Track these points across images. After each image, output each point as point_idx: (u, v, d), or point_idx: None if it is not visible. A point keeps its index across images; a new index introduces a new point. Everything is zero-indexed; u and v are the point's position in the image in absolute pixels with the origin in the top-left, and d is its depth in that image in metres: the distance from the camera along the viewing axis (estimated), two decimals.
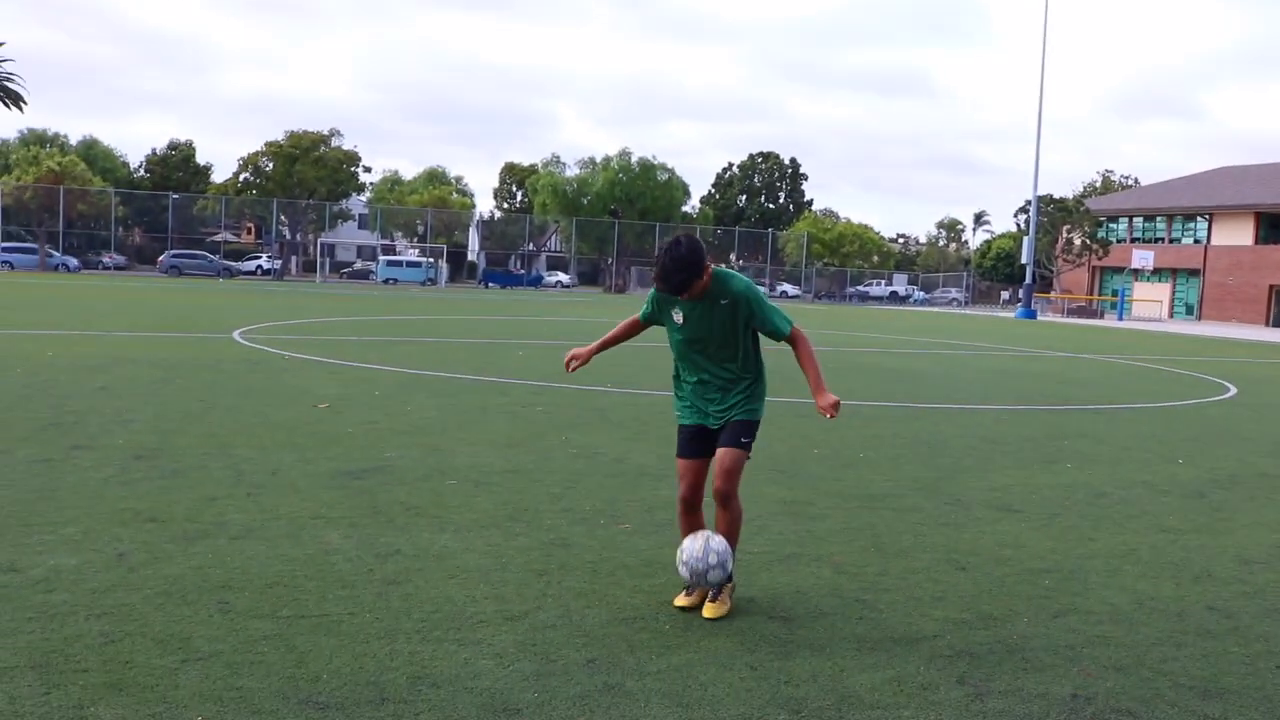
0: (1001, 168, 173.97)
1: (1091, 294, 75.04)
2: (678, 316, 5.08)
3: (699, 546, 4.82)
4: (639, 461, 8.71)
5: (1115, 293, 71.27)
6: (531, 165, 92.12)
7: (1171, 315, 71.59)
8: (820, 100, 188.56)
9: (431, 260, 71.35)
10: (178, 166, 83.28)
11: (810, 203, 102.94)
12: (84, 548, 5.49)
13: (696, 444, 5.13)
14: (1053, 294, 73.64)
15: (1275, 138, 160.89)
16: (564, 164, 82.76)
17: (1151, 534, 7.15)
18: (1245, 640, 5.06)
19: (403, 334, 22.42)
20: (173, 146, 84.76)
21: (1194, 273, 71.42)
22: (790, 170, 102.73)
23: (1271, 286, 66.43)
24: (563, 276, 79.21)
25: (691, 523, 5.16)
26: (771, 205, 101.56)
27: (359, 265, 77.70)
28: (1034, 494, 8.29)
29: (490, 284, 72.49)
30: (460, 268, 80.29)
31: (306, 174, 74.89)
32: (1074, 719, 4.00)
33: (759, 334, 5.14)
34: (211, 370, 13.75)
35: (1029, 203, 66.04)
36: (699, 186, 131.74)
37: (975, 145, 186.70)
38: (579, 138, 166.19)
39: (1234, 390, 18.68)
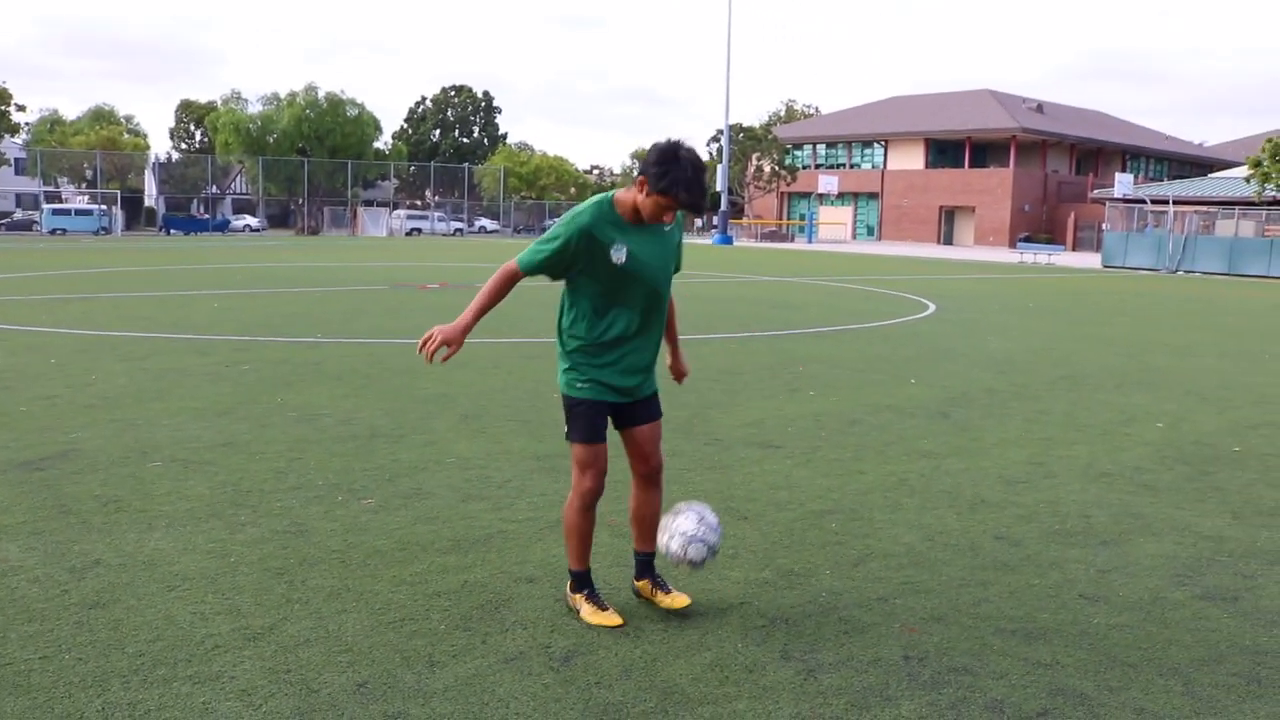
0: (688, 99, 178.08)
1: (781, 219, 78.09)
2: (619, 254, 3.88)
3: (695, 520, 4.11)
4: (369, 421, 7.86)
5: (803, 217, 74.47)
6: (210, 103, 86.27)
7: (854, 236, 75.59)
8: (510, 33, 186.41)
9: (104, 207, 65.57)
10: None
11: (505, 136, 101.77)
12: None
13: (605, 426, 4.14)
14: (745, 219, 76.07)
15: (936, 70, 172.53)
16: (246, 100, 77.92)
17: (915, 460, 7.02)
18: (1041, 570, 4.89)
19: (78, 290, 20.09)
20: None
21: (873, 196, 75.52)
22: (484, 104, 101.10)
23: (941, 207, 71.29)
24: (251, 220, 74.77)
25: (591, 524, 4.15)
26: (466, 140, 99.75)
27: (20, 215, 70.30)
28: (788, 425, 8.05)
29: (172, 230, 67.49)
30: (137, 214, 74.30)
31: None
32: (914, 685, 3.62)
33: None
34: None
35: (720, 132, 67.74)
36: (391, 122, 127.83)
37: (663, 78, 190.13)
38: (260, 74, 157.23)
39: (933, 307, 19.53)
